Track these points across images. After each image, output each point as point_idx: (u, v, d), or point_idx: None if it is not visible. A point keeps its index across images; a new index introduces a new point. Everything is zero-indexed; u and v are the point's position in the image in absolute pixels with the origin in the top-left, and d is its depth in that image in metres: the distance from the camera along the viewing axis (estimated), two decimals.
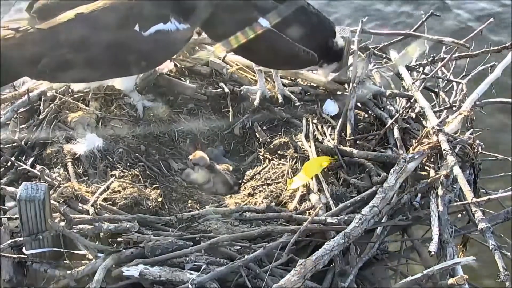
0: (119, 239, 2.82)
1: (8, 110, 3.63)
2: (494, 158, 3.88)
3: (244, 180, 3.59)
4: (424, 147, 3.10)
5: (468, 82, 3.93)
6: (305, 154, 3.48)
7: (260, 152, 3.69)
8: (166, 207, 3.26)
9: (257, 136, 3.78)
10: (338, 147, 3.41)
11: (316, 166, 3.32)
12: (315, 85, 3.98)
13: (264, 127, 3.81)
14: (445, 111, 3.74)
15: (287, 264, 2.75)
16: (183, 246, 2.76)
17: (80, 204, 3.01)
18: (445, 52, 4.17)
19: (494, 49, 3.95)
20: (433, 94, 4.04)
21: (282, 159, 3.56)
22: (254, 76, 4.01)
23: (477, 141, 3.26)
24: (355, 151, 3.39)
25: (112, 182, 3.20)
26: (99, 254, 2.72)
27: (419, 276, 2.61)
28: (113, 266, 2.69)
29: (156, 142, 3.71)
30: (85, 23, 3.21)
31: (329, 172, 3.35)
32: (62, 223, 2.76)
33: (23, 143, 3.44)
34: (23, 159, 3.39)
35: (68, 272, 2.70)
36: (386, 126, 3.50)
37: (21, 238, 2.74)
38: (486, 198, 2.83)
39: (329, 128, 3.63)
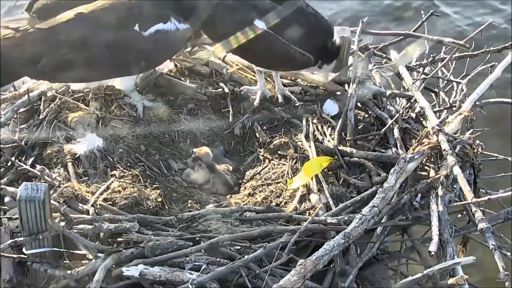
0: (119, 239, 2.82)
1: (8, 110, 3.63)
2: (494, 158, 3.89)
3: (244, 180, 3.59)
4: (424, 147, 3.10)
5: (468, 82, 3.93)
6: (305, 154, 3.48)
7: (260, 152, 3.69)
8: (166, 207, 3.27)
9: (257, 136, 3.78)
10: (338, 147, 3.42)
11: (316, 166, 3.32)
12: (315, 85, 3.98)
13: (264, 127, 3.81)
14: (445, 111, 3.75)
15: (287, 264, 2.75)
16: (183, 246, 2.76)
17: (80, 204, 3.01)
18: (445, 52, 4.17)
19: (494, 49, 3.95)
20: (433, 94, 4.04)
21: (282, 159, 3.57)
22: (254, 76, 4.01)
23: (477, 141, 3.26)
24: (355, 151, 3.39)
25: (112, 182, 3.20)
26: (99, 254, 2.72)
27: (419, 276, 2.61)
28: (113, 266, 2.69)
29: (156, 142, 3.72)
30: (85, 23, 3.21)
31: (329, 172, 3.35)
32: (62, 223, 2.76)
33: (23, 143, 3.44)
34: (23, 159, 3.38)
35: (68, 272, 2.70)
36: (386, 126, 3.50)
37: (21, 238, 2.74)
38: (486, 198, 2.84)
39: (329, 128, 3.64)
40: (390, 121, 3.51)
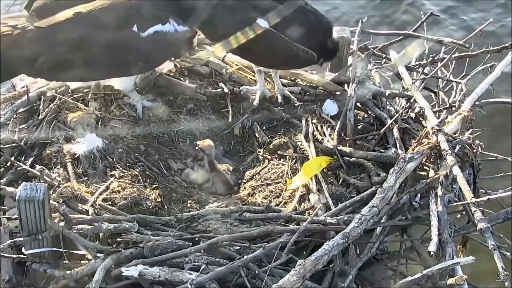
0: (118, 239, 2.82)
1: (7, 110, 3.62)
2: (494, 158, 3.89)
3: (243, 180, 3.59)
4: (423, 147, 3.10)
5: (467, 82, 3.93)
6: (305, 154, 3.48)
7: (260, 152, 3.69)
8: (166, 207, 3.27)
9: (257, 136, 3.78)
10: (338, 147, 3.42)
11: (316, 166, 3.32)
12: (314, 85, 3.98)
13: (264, 127, 3.81)
14: (444, 111, 3.75)
15: (287, 264, 2.75)
16: (183, 246, 2.76)
17: (79, 204, 3.01)
18: (444, 52, 4.17)
19: (494, 49, 3.95)
20: (432, 94, 4.04)
21: (282, 159, 3.57)
22: (253, 76, 4.01)
23: (477, 141, 3.26)
24: (354, 151, 3.39)
25: (112, 182, 3.20)
26: (99, 254, 2.72)
27: (418, 276, 2.61)
28: (113, 266, 2.70)
29: (156, 142, 3.71)
30: (83, 23, 3.21)
31: (329, 172, 3.35)
32: (62, 223, 2.77)
33: (22, 143, 3.44)
34: (22, 159, 3.38)
35: (68, 272, 2.70)
36: (386, 126, 3.50)
37: (21, 238, 2.74)
38: (485, 198, 2.83)
39: (329, 128, 3.63)
40: (389, 121, 3.51)
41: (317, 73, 3.91)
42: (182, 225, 2.97)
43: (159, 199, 3.24)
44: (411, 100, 3.66)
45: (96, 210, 2.98)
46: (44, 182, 2.98)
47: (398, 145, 3.40)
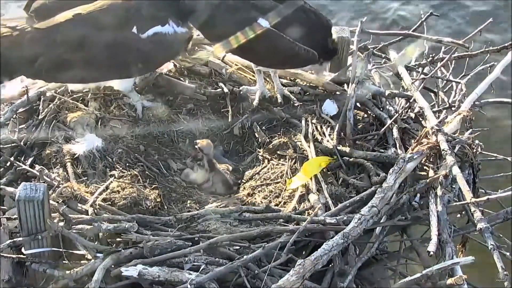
0: (118, 239, 2.82)
1: (7, 110, 3.63)
2: (493, 158, 3.89)
3: (243, 180, 3.59)
4: (423, 147, 3.10)
5: (467, 82, 3.93)
6: (304, 154, 3.48)
7: (259, 152, 3.69)
8: (165, 207, 3.27)
9: (256, 136, 3.78)
10: (337, 147, 3.42)
11: (315, 166, 3.32)
12: (314, 85, 3.98)
13: (263, 127, 3.81)
14: (444, 111, 3.75)
15: (286, 264, 2.75)
16: (182, 246, 2.76)
17: (79, 204, 3.01)
18: (444, 52, 4.17)
19: (494, 49, 3.95)
20: (432, 94, 4.04)
21: (281, 159, 3.57)
22: (253, 76, 4.01)
23: (476, 141, 3.26)
24: (354, 151, 3.39)
25: (111, 182, 3.20)
26: (98, 254, 2.72)
27: (418, 276, 2.61)
28: (112, 266, 2.70)
29: (156, 142, 3.71)
30: (83, 24, 3.21)
31: (328, 172, 3.35)
32: (61, 223, 2.77)
33: (22, 143, 3.44)
34: (22, 159, 3.38)
35: (67, 272, 2.70)
36: (385, 126, 3.50)
37: (20, 238, 2.74)
38: (485, 198, 2.83)
39: (328, 128, 3.63)
40: (389, 121, 3.51)
41: (317, 72, 3.91)
42: (181, 225, 2.97)
43: (158, 199, 3.24)
44: (411, 100, 3.66)
45: (95, 210, 2.98)
46: (43, 182, 2.98)
47: (397, 145, 3.40)
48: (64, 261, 2.74)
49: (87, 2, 3.27)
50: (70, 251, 2.76)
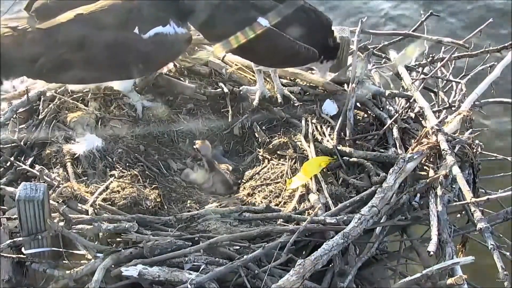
0: (118, 239, 2.82)
1: (7, 110, 3.63)
2: (493, 158, 3.89)
3: (243, 180, 3.59)
4: (423, 147, 3.10)
5: (467, 82, 3.93)
6: (304, 154, 3.48)
7: (259, 152, 3.69)
8: (165, 207, 3.27)
9: (256, 136, 3.78)
10: (337, 147, 3.41)
11: (315, 166, 3.32)
12: (314, 85, 3.98)
13: (263, 127, 3.81)
14: (444, 111, 3.75)
15: (286, 264, 2.75)
16: (182, 246, 2.76)
17: (79, 204, 3.01)
18: (444, 52, 4.17)
19: (494, 49, 3.95)
20: (432, 94, 4.04)
21: (281, 159, 3.56)
22: (253, 76, 4.01)
23: (476, 141, 3.26)
24: (354, 151, 3.39)
25: (111, 182, 3.20)
26: (98, 254, 2.72)
27: (418, 276, 2.61)
28: (112, 266, 2.70)
29: (156, 142, 3.71)
30: (84, 24, 3.21)
31: (328, 172, 3.34)
32: (61, 223, 2.77)
33: (22, 143, 3.44)
34: (22, 159, 3.38)
35: (67, 272, 2.70)
36: (386, 126, 3.50)
37: (20, 238, 2.74)
38: (485, 198, 2.83)
39: (328, 128, 3.63)
40: (389, 121, 3.51)
41: (319, 71, 3.91)
42: (181, 225, 2.97)
43: (158, 199, 3.24)
44: (411, 100, 3.66)
45: (95, 210, 2.98)
46: (43, 182, 2.98)
47: (397, 145, 3.40)
48: (64, 261, 2.74)
49: (88, 2, 3.27)
50: (70, 251, 2.76)
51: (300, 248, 2.91)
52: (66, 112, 3.64)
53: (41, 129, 3.54)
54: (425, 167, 3.16)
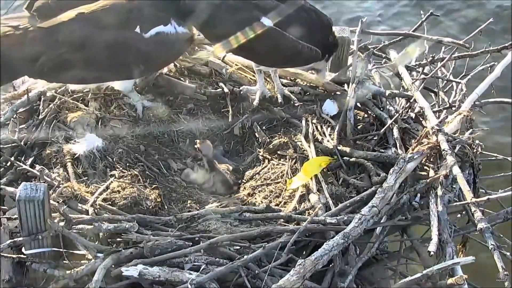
0: (118, 239, 2.82)
1: (7, 110, 3.62)
2: (494, 158, 3.89)
3: (243, 180, 3.59)
4: (423, 147, 3.10)
5: (467, 82, 3.93)
6: (305, 154, 3.48)
7: (260, 152, 3.69)
8: (166, 207, 3.27)
9: (257, 136, 3.78)
10: (338, 147, 3.41)
11: (316, 166, 3.32)
12: (314, 85, 3.98)
13: (264, 127, 3.81)
14: (444, 111, 3.75)
15: (287, 264, 2.75)
16: (183, 246, 2.76)
17: (79, 204, 3.01)
18: (444, 52, 4.17)
19: (494, 49, 3.95)
20: (432, 94, 4.04)
21: (282, 159, 3.56)
22: (253, 76, 4.01)
23: (477, 141, 3.26)
24: (354, 151, 3.39)
25: (112, 182, 3.20)
26: (99, 254, 2.72)
27: (418, 276, 2.61)
28: (113, 266, 2.70)
29: (156, 142, 3.71)
30: (85, 24, 3.20)
31: (329, 172, 3.35)
32: (62, 223, 2.77)
33: (22, 143, 3.44)
34: (22, 159, 3.38)
35: (68, 272, 2.70)
36: (386, 126, 3.50)
37: (21, 238, 2.74)
38: (485, 198, 2.83)
39: (329, 128, 3.63)
40: (389, 121, 3.51)
41: (317, 73, 3.91)
42: (182, 225, 2.97)
43: (159, 199, 3.24)
44: (411, 100, 3.65)
45: (96, 210, 2.98)
46: (44, 182, 2.98)
47: (398, 145, 3.40)
48: (64, 261, 2.74)
49: (89, 2, 3.26)
50: (71, 251, 2.76)
51: (300, 248, 2.91)
52: (67, 112, 3.64)
53: (41, 129, 3.53)
54: (425, 167, 3.16)
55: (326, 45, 3.64)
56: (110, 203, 3.08)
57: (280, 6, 3.44)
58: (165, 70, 3.95)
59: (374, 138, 3.54)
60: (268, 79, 3.98)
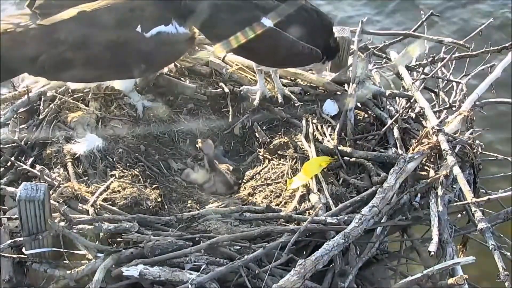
0: (118, 239, 2.82)
1: (8, 110, 3.62)
2: (494, 158, 3.89)
3: (244, 180, 3.59)
4: (424, 147, 3.11)
5: (467, 82, 3.94)
6: (305, 154, 3.48)
7: (260, 152, 3.69)
8: (166, 207, 3.27)
9: (257, 136, 3.78)
10: (338, 147, 3.41)
11: (316, 166, 3.32)
12: (314, 85, 3.98)
13: (264, 127, 3.81)
14: (445, 111, 3.75)
15: (287, 264, 2.74)
16: (183, 246, 2.76)
17: (80, 204, 3.01)
18: (445, 52, 4.17)
19: (494, 49, 3.95)
20: (433, 94, 4.04)
21: (282, 159, 3.56)
22: (254, 76, 4.01)
23: (477, 141, 3.26)
24: (354, 151, 3.39)
25: (112, 182, 3.20)
26: (99, 254, 2.72)
27: (418, 276, 2.61)
28: (113, 266, 2.70)
29: (156, 142, 3.72)
30: (87, 22, 3.20)
31: (329, 172, 3.35)
32: (62, 223, 2.77)
33: (23, 143, 3.44)
34: (23, 159, 3.38)
35: (68, 272, 2.70)
36: (386, 126, 3.50)
37: (21, 238, 2.74)
38: (486, 198, 2.84)
39: (329, 128, 3.63)
40: (390, 121, 3.51)
41: (318, 72, 3.91)
42: (182, 225, 2.97)
43: (159, 199, 3.24)
44: (411, 100, 3.66)
45: (96, 210, 2.98)
46: (44, 182, 2.98)
47: (398, 145, 3.40)
48: (64, 261, 2.74)
49: (91, 0, 3.26)
50: (71, 251, 2.76)
51: (300, 248, 2.91)
52: (67, 112, 3.64)
53: (41, 129, 3.53)
54: (425, 167, 3.16)
55: (326, 46, 3.64)
56: (111, 203, 3.08)
57: (280, 6, 3.44)
58: (165, 70, 3.95)
59: (375, 138, 3.54)
60: (268, 79, 3.98)
